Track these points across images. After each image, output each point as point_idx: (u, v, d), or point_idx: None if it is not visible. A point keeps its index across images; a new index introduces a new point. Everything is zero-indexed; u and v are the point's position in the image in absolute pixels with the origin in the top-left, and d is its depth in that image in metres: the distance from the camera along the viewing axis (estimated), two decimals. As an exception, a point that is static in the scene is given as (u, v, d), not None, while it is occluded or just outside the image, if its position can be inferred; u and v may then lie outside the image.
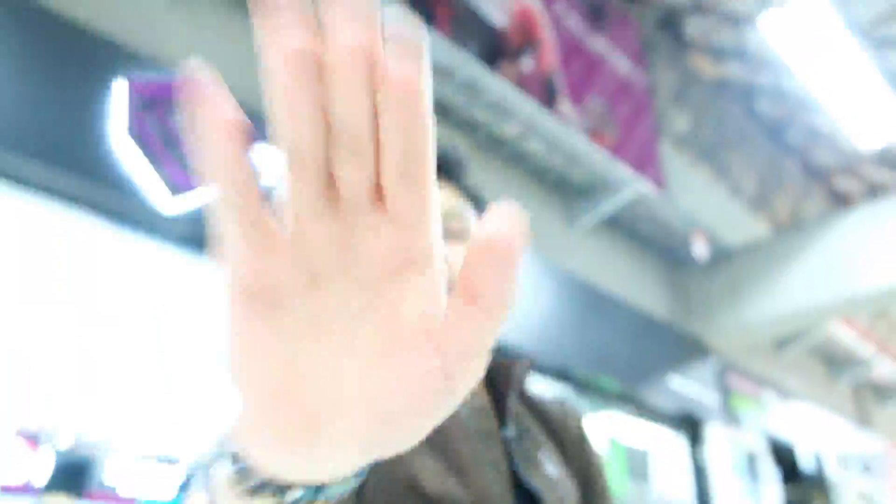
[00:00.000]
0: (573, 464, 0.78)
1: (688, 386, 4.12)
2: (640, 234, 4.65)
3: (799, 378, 5.65)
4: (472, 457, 0.68)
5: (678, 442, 4.22)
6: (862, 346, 5.71)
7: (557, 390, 4.09)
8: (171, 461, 7.35)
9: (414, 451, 0.65)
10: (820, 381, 6.02)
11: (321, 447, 0.28)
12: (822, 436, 5.42)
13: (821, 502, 5.72)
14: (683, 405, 4.05)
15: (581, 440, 0.81)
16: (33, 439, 5.72)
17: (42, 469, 5.67)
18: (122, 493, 6.58)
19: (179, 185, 2.36)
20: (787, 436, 4.94)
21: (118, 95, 2.21)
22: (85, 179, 2.16)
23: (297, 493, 0.30)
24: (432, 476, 0.66)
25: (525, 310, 3.25)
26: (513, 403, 0.73)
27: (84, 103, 2.14)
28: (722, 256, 4.64)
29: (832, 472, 5.16)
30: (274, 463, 0.30)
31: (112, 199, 2.25)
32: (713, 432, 4.27)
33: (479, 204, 0.82)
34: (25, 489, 5.77)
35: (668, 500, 4.03)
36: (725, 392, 4.46)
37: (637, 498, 4.00)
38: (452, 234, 0.73)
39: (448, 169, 0.79)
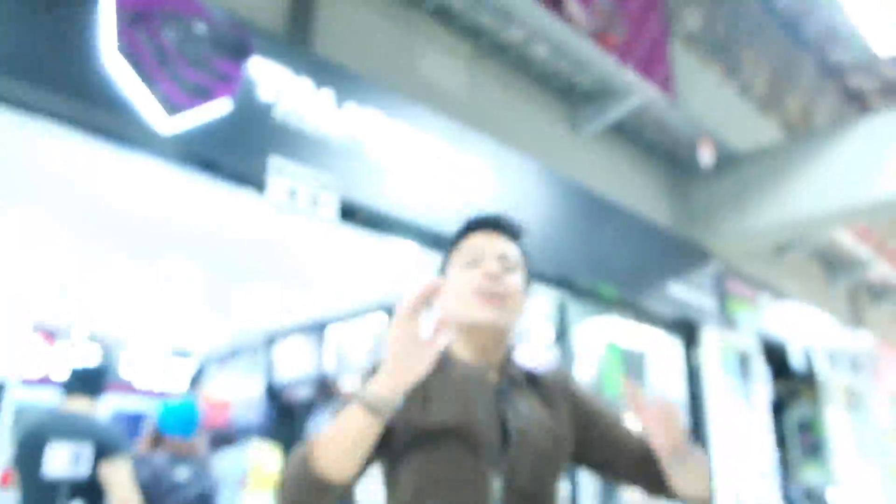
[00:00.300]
0: (568, 417, 1.17)
1: (686, 291, 4.21)
2: (646, 141, 4.58)
3: (796, 280, 5.75)
4: (471, 398, 1.09)
5: (674, 345, 4.38)
6: (860, 247, 5.76)
7: (556, 296, 4.19)
8: (183, 355, 7.61)
9: (432, 398, 1.09)
10: (817, 283, 6.13)
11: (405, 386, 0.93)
12: (814, 335, 5.59)
13: (808, 398, 6.01)
14: (681, 310, 4.15)
15: (572, 396, 1.20)
16: (50, 335, 5.91)
17: (60, 363, 5.99)
18: (138, 385, 6.90)
19: (175, 103, 2.31)
20: (779, 336, 5.10)
21: (106, 10, 2.11)
22: (76, 100, 2.11)
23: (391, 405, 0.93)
24: (439, 411, 1.08)
25: (527, 217, 3.26)
26: (512, 370, 1.16)
27: (71, 20, 2.05)
28: (728, 162, 4.59)
29: (821, 370, 5.37)
30: (388, 391, 0.93)
31: (106, 120, 2.21)
32: (708, 335, 4.42)
33: (525, 258, 1.23)
34: (45, 381, 6.10)
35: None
36: (722, 296, 4.56)
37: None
38: (509, 269, 1.16)
39: (511, 230, 1.22)
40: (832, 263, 6.29)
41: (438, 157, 3.05)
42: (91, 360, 2.95)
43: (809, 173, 4.27)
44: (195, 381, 7.07)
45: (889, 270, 6.19)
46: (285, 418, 6.20)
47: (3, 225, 3.36)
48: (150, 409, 6.83)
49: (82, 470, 2.40)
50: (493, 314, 1.10)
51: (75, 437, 2.53)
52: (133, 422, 6.68)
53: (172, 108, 2.29)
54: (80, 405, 2.72)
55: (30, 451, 2.54)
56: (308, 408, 6.15)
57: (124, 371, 6.50)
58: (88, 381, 2.81)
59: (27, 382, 5.13)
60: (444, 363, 1.14)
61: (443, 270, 1.22)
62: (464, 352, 1.16)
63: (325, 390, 5.72)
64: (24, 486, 2.58)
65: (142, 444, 3.07)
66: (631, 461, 1.17)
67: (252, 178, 2.53)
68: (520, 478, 1.05)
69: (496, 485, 1.03)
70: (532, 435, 1.08)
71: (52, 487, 2.37)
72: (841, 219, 4.45)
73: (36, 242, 3.70)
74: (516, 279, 1.15)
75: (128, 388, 6.49)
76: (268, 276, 3.65)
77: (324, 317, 5.86)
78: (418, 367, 0.92)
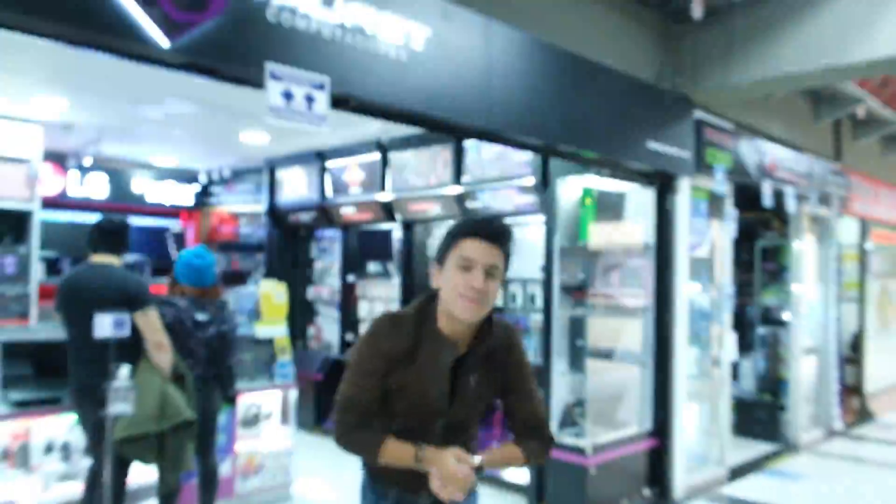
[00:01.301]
0: (499, 375, 1.74)
1: (665, 145, 4.46)
2: (639, -10, 4.49)
3: (780, 119, 5.92)
4: (437, 367, 1.65)
5: (649, 193, 4.73)
6: (850, 85, 5.83)
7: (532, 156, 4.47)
8: (189, 174, 8.11)
9: (416, 360, 1.65)
10: (801, 120, 6.29)
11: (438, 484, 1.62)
12: (790, 171, 5.90)
13: (778, 228, 6.50)
14: (659, 163, 4.43)
15: (506, 364, 1.75)
16: (59, 161, 6.48)
17: (74, 187, 6.71)
18: (149, 199, 7.60)
19: (173, 20, 2.45)
20: (754, 175, 5.42)
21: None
22: (80, 25, 2.26)
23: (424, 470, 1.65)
24: (415, 372, 1.65)
25: (512, 86, 3.44)
26: (477, 345, 1.68)
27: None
28: (720, 11, 4.55)
29: (791, 206, 5.77)
30: (426, 469, 1.63)
31: (109, 40, 2.36)
32: (683, 184, 4.75)
33: (508, 258, 1.67)
34: (61, 198, 6.83)
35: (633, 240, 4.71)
36: (701, 146, 4.80)
37: (603, 236, 4.68)
38: (494, 276, 1.61)
39: (498, 237, 1.62)
40: (820, 100, 6.38)
41: (426, 38, 3.16)
42: (113, 218, 3.36)
43: (801, 27, 4.27)
44: (202, 198, 7.61)
45: (877, 105, 6.29)
46: (288, 236, 6.83)
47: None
48: (163, 223, 7.53)
49: (124, 330, 2.91)
50: (470, 314, 1.60)
51: (109, 292, 3.07)
52: (150, 235, 7.44)
53: (171, 25, 2.44)
54: (106, 260, 3.21)
55: (72, 304, 3.13)
56: (309, 229, 6.76)
57: (136, 190, 7.18)
58: (114, 239, 3.26)
59: (47, 200, 5.84)
60: (430, 335, 1.66)
61: (441, 257, 1.66)
62: (446, 328, 1.65)
63: (325, 215, 6.26)
64: (74, 337, 3.15)
65: (166, 288, 3.60)
66: (511, 424, 1.79)
67: (251, 81, 2.73)
68: (455, 420, 1.70)
69: (440, 423, 1.68)
70: (469, 398, 1.69)
71: (101, 343, 2.91)
72: (830, 76, 4.52)
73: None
74: (496, 284, 1.62)
75: (141, 205, 7.20)
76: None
77: (322, 149, 6.20)
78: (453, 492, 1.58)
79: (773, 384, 6.13)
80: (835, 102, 6.32)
